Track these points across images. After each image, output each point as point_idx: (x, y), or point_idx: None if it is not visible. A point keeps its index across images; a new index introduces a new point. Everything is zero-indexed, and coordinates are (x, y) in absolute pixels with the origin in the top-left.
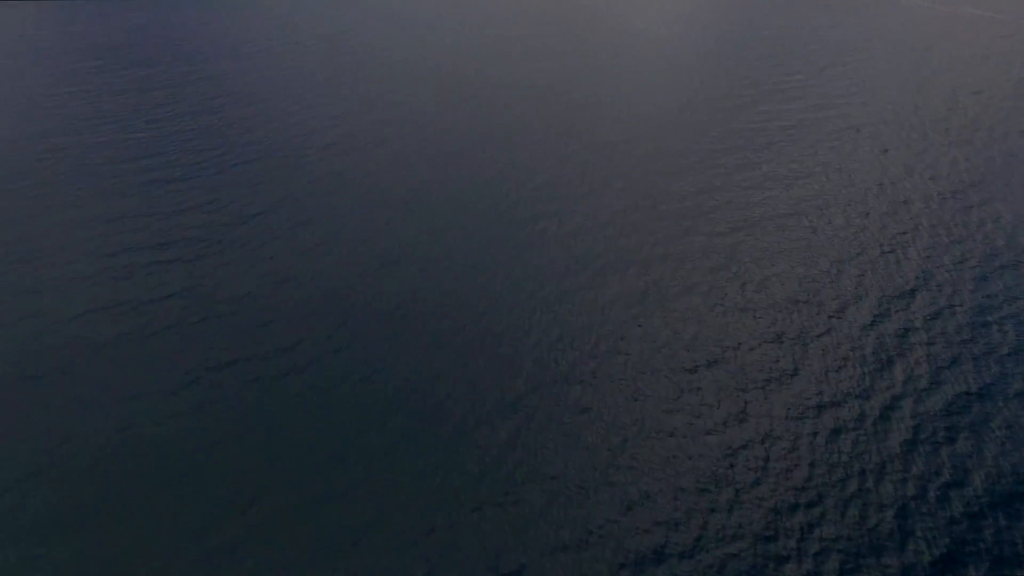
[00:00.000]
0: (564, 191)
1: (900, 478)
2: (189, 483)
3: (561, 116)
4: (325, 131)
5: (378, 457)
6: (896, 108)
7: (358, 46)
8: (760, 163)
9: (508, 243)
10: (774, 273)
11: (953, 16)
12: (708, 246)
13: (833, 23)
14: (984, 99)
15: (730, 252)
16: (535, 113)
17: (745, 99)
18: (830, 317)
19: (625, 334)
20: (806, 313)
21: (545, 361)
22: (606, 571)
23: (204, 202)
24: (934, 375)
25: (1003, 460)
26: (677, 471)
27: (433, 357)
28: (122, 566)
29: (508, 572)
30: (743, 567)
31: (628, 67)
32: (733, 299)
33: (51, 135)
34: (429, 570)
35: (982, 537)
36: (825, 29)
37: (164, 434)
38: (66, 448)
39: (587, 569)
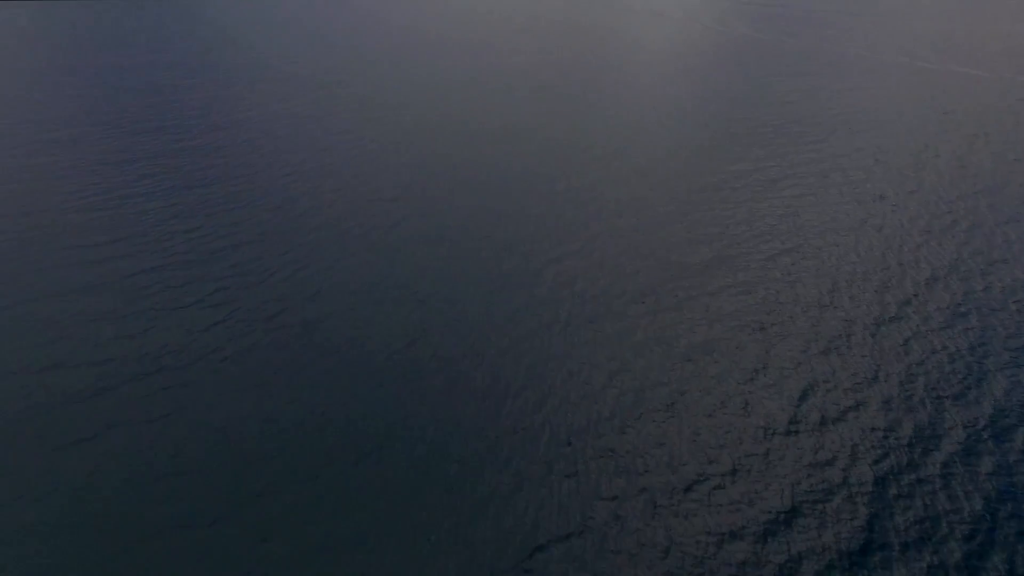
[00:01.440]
0: (575, 279)
1: None
2: None
3: (565, 196)
4: (316, 210)
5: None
6: (930, 177)
7: (356, 108)
8: (789, 250)
9: (513, 368)
10: (815, 381)
11: (965, 77)
12: (738, 346)
13: (845, 87)
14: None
15: (763, 354)
16: (542, 195)
17: (766, 171)
18: (885, 437)
19: (646, 458)
20: (856, 432)
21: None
22: None
23: (176, 298)
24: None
25: None
26: None
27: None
28: None
29: None
30: None
31: (634, 138)
32: (772, 416)
33: (9, 212)
34: None
35: None
36: (841, 93)
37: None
38: None
39: None
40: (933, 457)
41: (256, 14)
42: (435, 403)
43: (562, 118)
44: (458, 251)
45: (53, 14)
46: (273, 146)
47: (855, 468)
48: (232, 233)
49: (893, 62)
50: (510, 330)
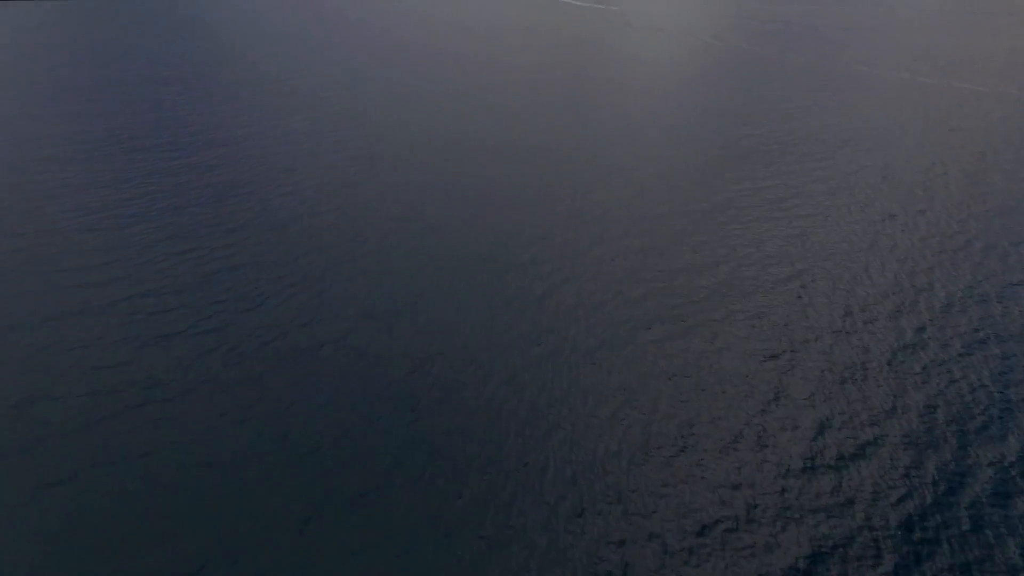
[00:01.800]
0: (579, 305)
1: None
2: None
3: (568, 217)
4: (313, 231)
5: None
6: (939, 196)
7: (355, 126)
8: (799, 273)
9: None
10: (831, 414)
11: (968, 94)
12: (749, 376)
13: (848, 103)
14: None
15: (776, 384)
16: (544, 216)
17: (772, 190)
18: (907, 475)
19: (655, 498)
20: (876, 470)
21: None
22: None
23: (167, 323)
24: None
25: None
26: None
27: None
28: None
29: None
30: None
31: (637, 157)
32: (787, 452)
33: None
34: None
35: None
36: (844, 110)
37: None
38: None
39: None
40: (960, 497)
41: (256, 28)
42: (435, 438)
43: (563, 136)
44: (459, 275)
45: (52, 19)
46: (270, 165)
47: (877, 510)
48: (227, 255)
49: (895, 78)
50: (513, 360)
